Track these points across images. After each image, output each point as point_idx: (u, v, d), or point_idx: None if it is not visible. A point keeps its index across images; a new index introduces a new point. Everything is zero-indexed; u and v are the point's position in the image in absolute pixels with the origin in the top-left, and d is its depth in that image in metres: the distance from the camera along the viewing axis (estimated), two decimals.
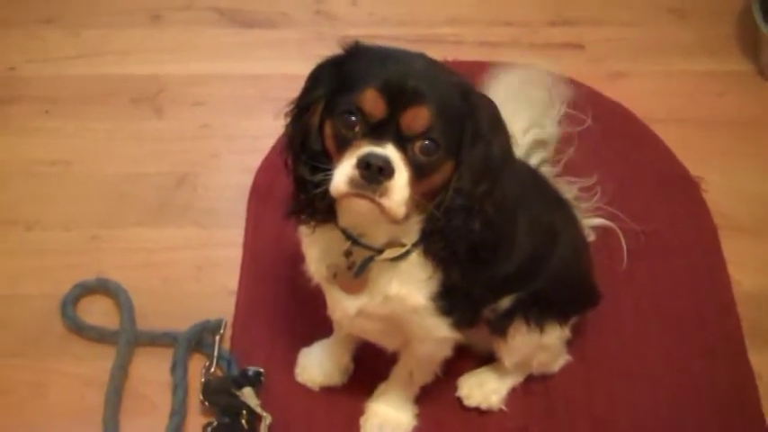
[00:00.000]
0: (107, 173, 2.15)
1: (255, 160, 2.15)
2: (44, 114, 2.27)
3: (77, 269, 1.94)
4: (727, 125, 2.31)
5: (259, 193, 2.09)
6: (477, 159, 1.31)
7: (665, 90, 2.39)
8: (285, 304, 1.88)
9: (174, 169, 2.16)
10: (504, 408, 1.76)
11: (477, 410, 1.76)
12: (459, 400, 1.76)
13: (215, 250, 2.01)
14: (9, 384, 1.80)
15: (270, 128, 2.18)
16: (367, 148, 1.25)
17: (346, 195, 1.27)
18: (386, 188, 1.25)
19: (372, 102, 1.26)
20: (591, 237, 1.89)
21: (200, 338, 1.83)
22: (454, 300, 1.45)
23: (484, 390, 1.76)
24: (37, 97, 2.30)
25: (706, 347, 1.87)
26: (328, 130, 1.31)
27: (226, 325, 1.85)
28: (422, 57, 1.34)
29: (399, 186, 1.26)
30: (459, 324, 1.49)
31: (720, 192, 2.15)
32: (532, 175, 1.75)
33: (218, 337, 1.82)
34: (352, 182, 1.25)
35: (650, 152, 2.23)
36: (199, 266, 1.99)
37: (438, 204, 1.33)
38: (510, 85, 1.87)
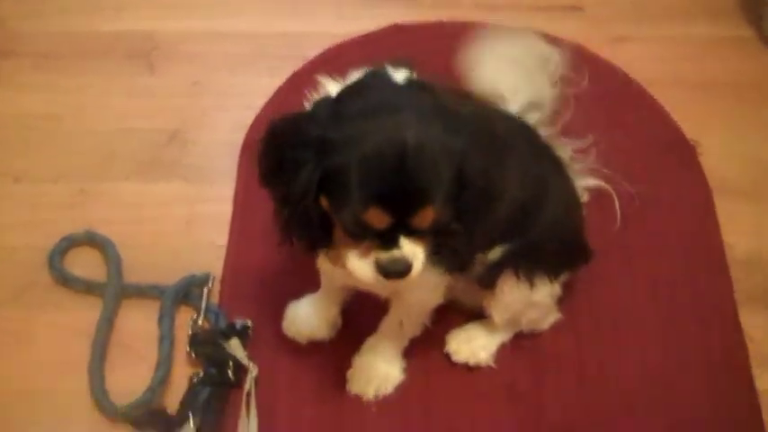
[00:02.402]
0: (98, 128, 2.13)
1: (248, 117, 2.12)
2: (36, 69, 2.24)
3: (65, 222, 1.92)
4: (727, 90, 2.28)
5: (251, 149, 2.06)
6: (478, 213, 1.33)
7: (666, 54, 2.36)
8: (274, 258, 1.86)
9: (166, 125, 2.13)
10: (492, 364, 1.75)
11: (465, 366, 1.74)
12: (447, 356, 1.75)
13: (204, 206, 1.99)
14: None
15: (263, 86, 2.17)
16: (384, 256, 1.28)
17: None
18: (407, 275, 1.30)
19: (377, 218, 1.25)
20: (584, 197, 1.87)
21: (187, 291, 1.81)
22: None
23: (472, 345, 1.74)
24: (29, 52, 2.27)
25: (697, 309, 1.86)
26: (326, 203, 1.30)
27: (213, 279, 1.84)
28: (409, 110, 1.25)
29: (417, 268, 1.30)
30: (449, 269, 1.48)
31: (718, 155, 2.12)
32: (525, 129, 1.72)
33: (205, 290, 1.81)
34: (375, 276, 1.30)
35: (647, 115, 2.20)
36: (188, 221, 1.97)
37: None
38: (498, 48, 1.84)
